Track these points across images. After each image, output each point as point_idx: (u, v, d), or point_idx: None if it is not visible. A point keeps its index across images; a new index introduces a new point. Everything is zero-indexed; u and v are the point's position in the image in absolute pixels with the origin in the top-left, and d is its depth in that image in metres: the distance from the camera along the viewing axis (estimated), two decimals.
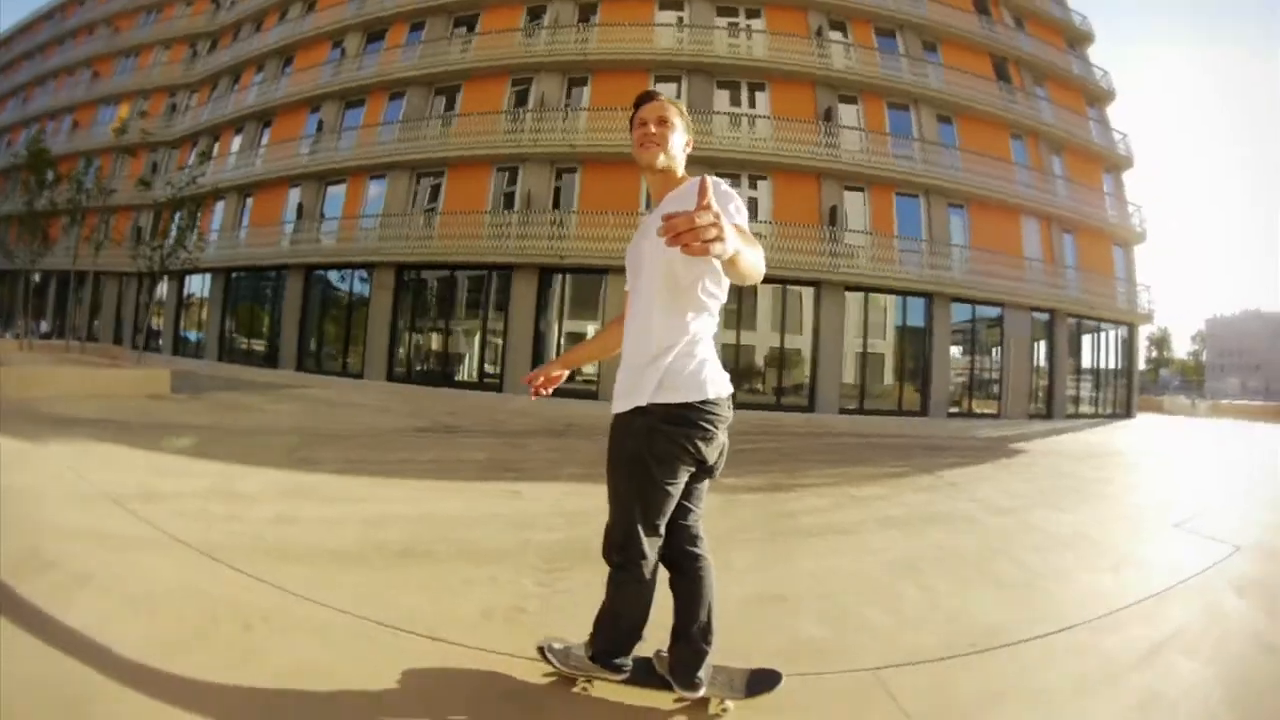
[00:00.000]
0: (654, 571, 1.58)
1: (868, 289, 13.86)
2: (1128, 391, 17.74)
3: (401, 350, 15.19)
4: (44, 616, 1.90)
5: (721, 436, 1.54)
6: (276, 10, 21.50)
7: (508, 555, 2.88)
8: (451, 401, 11.36)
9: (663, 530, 1.57)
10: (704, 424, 1.48)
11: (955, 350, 14.88)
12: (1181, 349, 62.31)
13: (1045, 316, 15.54)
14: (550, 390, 1.85)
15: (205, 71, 23.07)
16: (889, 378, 14.48)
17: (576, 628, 1.81)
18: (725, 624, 1.72)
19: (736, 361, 13.12)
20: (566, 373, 1.89)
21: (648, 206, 13.12)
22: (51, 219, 18.76)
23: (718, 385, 1.51)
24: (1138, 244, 18.23)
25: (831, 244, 13.20)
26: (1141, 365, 52.99)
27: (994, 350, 15.34)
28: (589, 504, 3.77)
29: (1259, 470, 7.93)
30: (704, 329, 1.52)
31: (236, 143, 20.26)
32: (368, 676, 1.71)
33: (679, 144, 1.58)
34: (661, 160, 1.55)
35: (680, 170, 1.60)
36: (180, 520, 3.01)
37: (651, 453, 1.46)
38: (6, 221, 21.19)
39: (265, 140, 19.23)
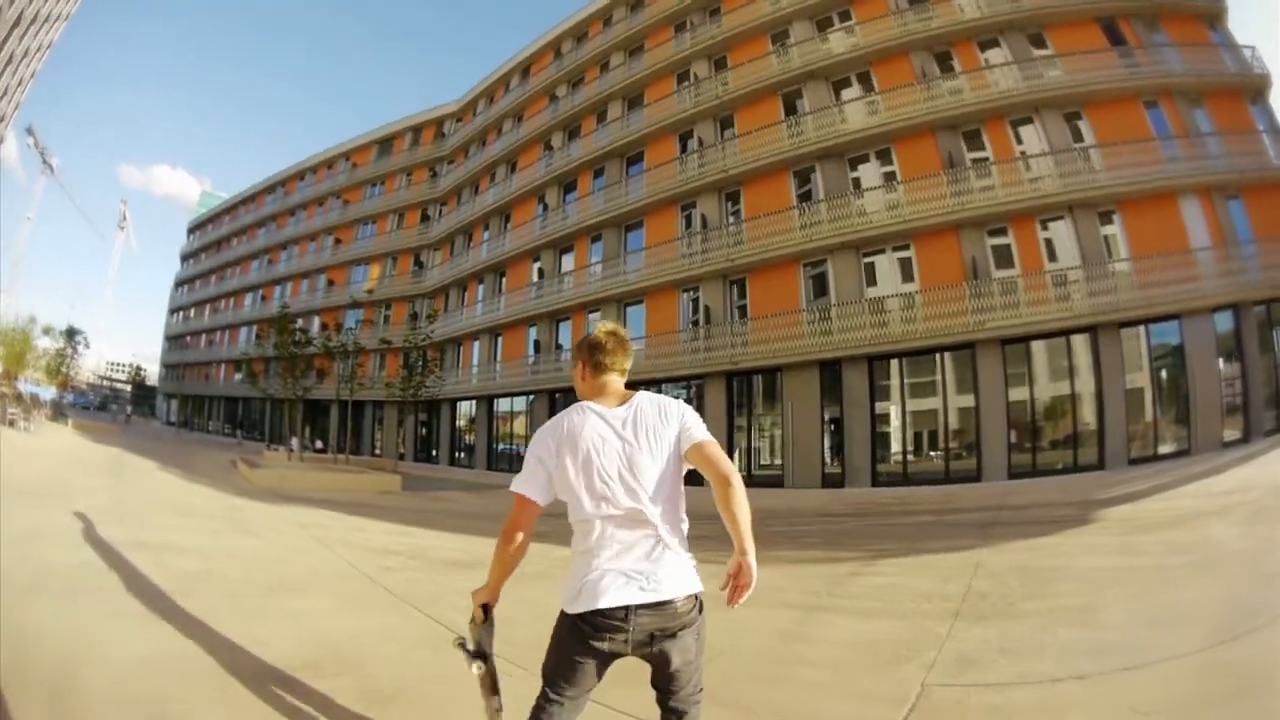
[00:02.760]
0: None
1: (1025, 338, 15.85)
2: None
3: None
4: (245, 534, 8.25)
5: None
6: (486, 174, 30.94)
7: (421, 557, 7.98)
8: None
9: None
10: None
11: (1143, 379, 15.61)
12: None
13: (1229, 314, 15.42)
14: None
15: (441, 233, 33.32)
16: (1063, 430, 15.87)
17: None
18: None
19: (903, 434, 17.27)
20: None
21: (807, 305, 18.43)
22: (318, 358, 28.46)
23: None
24: None
25: (977, 300, 16.20)
26: None
27: (1181, 371, 15.37)
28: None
29: None
30: None
31: (480, 291, 29.50)
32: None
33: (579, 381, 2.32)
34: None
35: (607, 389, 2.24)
36: (322, 532, 9.21)
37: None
38: (268, 360, 32.18)
39: (503, 288, 28.04)
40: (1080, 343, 15.82)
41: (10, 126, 45.37)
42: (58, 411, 37.08)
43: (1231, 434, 14.94)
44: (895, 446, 17.40)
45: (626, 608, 1.98)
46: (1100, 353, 15.43)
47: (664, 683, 2.13)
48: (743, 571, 2.02)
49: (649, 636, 2.02)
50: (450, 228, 32.76)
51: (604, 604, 1.98)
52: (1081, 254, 16.12)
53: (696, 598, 2.09)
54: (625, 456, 2.08)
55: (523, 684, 2.67)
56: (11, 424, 23.08)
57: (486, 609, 2.42)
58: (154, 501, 10.85)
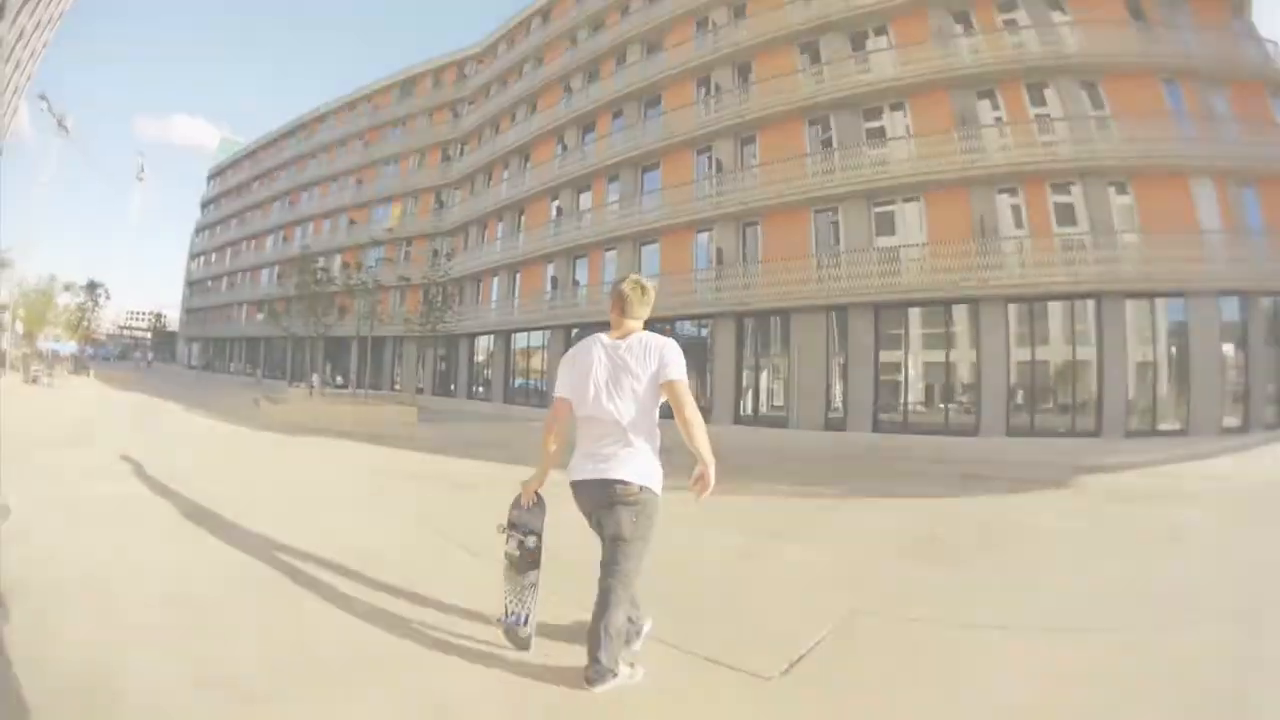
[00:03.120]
0: None
1: (1028, 298, 15.96)
2: None
3: None
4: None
5: None
6: (507, 115, 31.02)
7: (431, 480, 8.66)
8: None
9: None
10: None
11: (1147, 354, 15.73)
12: None
13: (1235, 303, 15.52)
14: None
15: (462, 172, 33.61)
16: (1063, 394, 16.20)
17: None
18: None
19: (905, 383, 17.65)
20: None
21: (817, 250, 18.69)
22: (339, 296, 29.02)
23: None
24: None
25: (982, 257, 16.24)
26: None
27: (1184, 351, 15.39)
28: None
29: None
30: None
31: (500, 229, 29.91)
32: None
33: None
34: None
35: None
36: (341, 459, 10.19)
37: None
38: (289, 300, 32.68)
39: (523, 225, 28.49)
40: (1084, 310, 15.98)
41: (24, 96, 45.55)
42: (79, 364, 38.26)
43: (1231, 421, 15.07)
44: (897, 395, 17.84)
45: (584, 481, 2.85)
46: (1103, 322, 15.61)
47: (604, 554, 2.88)
48: (703, 475, 2.75)
49: (596, 504, 2.83)
50: (471, 167, 33.09)
51: (574, 477, 2.91)
52: (1090, 222, 16.13)
53: (641, 488, 2.79)
54: (612, 375, 2.86)
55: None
56: (35, 381, 24.31)
57: (538, 493, 3.22)
58: (181, 439, 11.58)
